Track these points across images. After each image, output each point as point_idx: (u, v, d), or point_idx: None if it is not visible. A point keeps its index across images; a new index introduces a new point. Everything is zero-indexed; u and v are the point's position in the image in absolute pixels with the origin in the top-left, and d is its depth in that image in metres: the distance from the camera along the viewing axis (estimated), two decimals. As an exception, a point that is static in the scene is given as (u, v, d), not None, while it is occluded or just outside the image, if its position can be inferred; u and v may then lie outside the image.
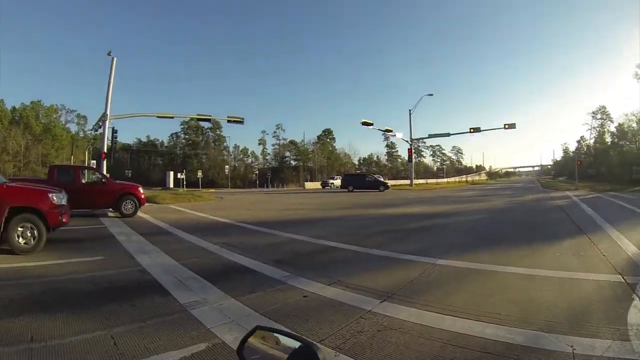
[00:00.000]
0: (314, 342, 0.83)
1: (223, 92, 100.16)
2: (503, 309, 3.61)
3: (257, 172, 64.07)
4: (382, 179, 37.47)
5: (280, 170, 67.20)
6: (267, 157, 76.76)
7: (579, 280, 4.74)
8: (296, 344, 0.85)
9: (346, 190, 31.21)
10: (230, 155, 73.52)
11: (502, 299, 3.97)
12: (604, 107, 55.16)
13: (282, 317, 3.41)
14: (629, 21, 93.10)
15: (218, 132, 69.68)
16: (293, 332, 1.07)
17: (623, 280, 4.67)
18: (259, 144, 76.34)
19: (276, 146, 76.48)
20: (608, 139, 53.00)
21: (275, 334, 0.93)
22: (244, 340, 0.92)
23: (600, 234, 8.44)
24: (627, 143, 45.47)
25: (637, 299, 3.98)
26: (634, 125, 43.64)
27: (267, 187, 52.28)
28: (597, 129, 56.24)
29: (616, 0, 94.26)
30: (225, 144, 72.08)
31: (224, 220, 11.37)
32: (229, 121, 28.93)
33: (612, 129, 52.01)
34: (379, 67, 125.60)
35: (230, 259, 5.94)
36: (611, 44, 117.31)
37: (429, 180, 50.63)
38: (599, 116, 55.44)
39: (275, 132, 75.32)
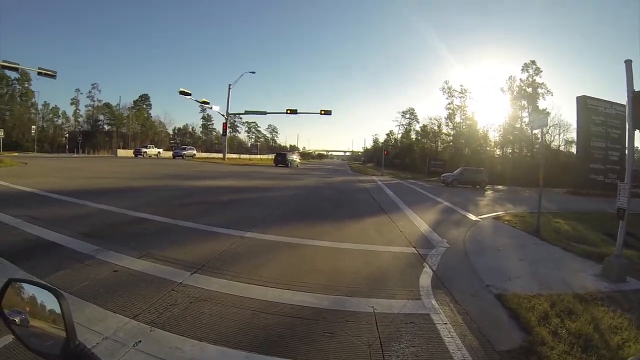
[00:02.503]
0: (60, 291, 0.85)
1: (34, 43, 79.86)
2: (310, 278, 4.13)
3: (68, 135, 55.92)
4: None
5: (93, 135, 58.64)
6: (79, 120, 65.77)
7: (379, 252, 5.61)
8: (47, 293, 0.84)
9: (274, 165, 39.10)
10: (39, 114, 58.88)
11: (309, 269, 4.49)
12: (412, 109, 65.99)
13: (93, 295, 3.22)
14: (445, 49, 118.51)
15: (26, 86, 54.33)
16: (43, 282, 1.04)
17: (416, 251, 5.71)
18: (72, 103, 64.84)
19: (90, 108, 66.12)
20: (413, 136, 63.75)
21: (30, 285, 0.89)
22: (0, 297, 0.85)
23: (399, 213, 9.80)
24: (428, 141, 56.54)
25: (427, 266, 4.92)
26: (435, 128, 54.71)
27: (78, 152, 47.80)
28: (405, 126, 66.93)
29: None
30: (33, 99, 56.96)
31: (27, 190, 9.49)
32: (39, 74, 25.95)
33: (418, 128, 62.50)
34: (202, 36, 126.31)
35: (34, 233, 5.16)
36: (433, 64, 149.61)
37: (242, 156, 51.13)
38: (407, 116, 66.34)
39: (90, 92, 65.16)
